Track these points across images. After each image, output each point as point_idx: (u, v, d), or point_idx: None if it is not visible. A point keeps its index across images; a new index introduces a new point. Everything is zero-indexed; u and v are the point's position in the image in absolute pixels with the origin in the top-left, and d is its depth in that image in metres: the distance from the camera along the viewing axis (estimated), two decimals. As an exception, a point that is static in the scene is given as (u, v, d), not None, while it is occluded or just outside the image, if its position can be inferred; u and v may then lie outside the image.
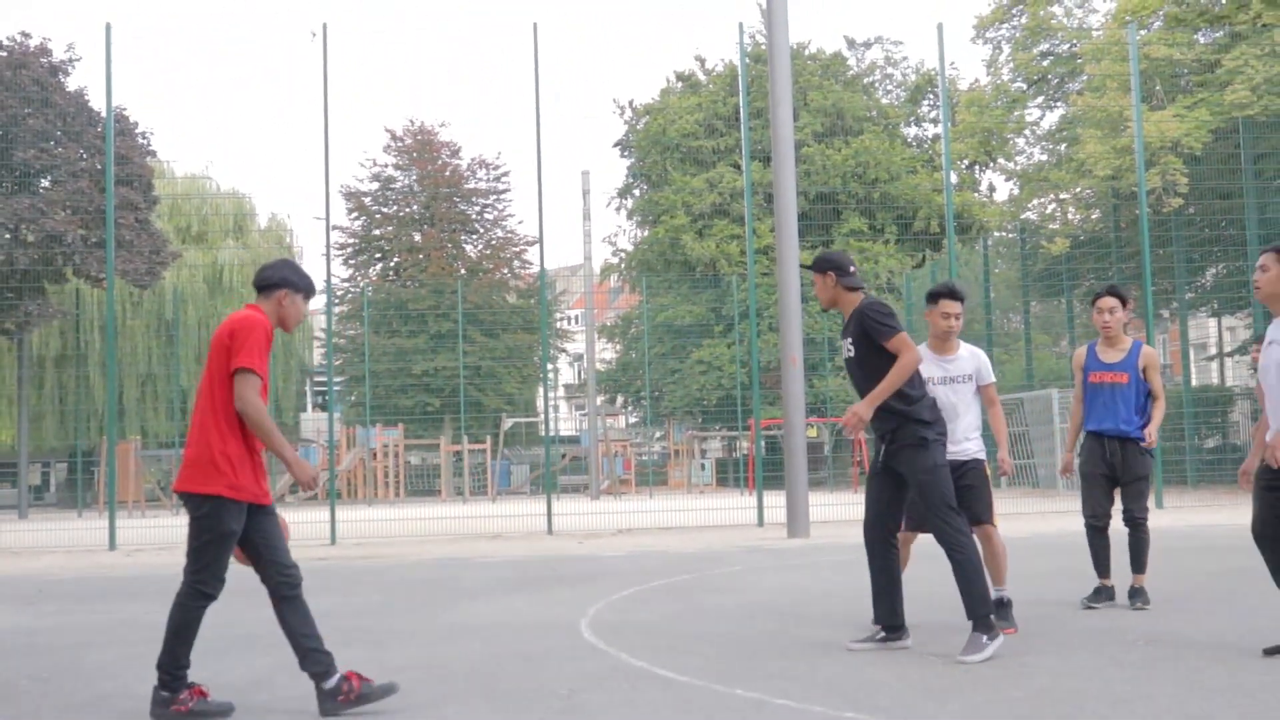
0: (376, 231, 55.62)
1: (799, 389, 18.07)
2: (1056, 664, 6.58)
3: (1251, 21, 28.57)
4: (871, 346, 7.21)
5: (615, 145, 56.23)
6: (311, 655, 5.83)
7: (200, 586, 5.80)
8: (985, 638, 6.80)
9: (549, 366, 40.99)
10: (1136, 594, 8.73)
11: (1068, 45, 34.14)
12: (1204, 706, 5.36)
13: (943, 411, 7.48)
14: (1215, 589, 9.81)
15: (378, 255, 56.04)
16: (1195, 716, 5.19)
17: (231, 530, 5.77)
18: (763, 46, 19.09)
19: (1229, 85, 27.64)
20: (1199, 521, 17.96)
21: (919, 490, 7.09)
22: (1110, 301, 9.02)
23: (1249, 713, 5.22)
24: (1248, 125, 27.95)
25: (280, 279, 6.06)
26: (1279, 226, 28.69)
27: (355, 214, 55.27)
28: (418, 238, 55.42)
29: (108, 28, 20.52)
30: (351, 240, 55.25)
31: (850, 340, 7.36)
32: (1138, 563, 8.79)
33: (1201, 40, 30.60)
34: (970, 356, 8.22)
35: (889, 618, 7.30)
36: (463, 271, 53.82)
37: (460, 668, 6.98)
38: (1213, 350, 41.04)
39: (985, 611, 6.91)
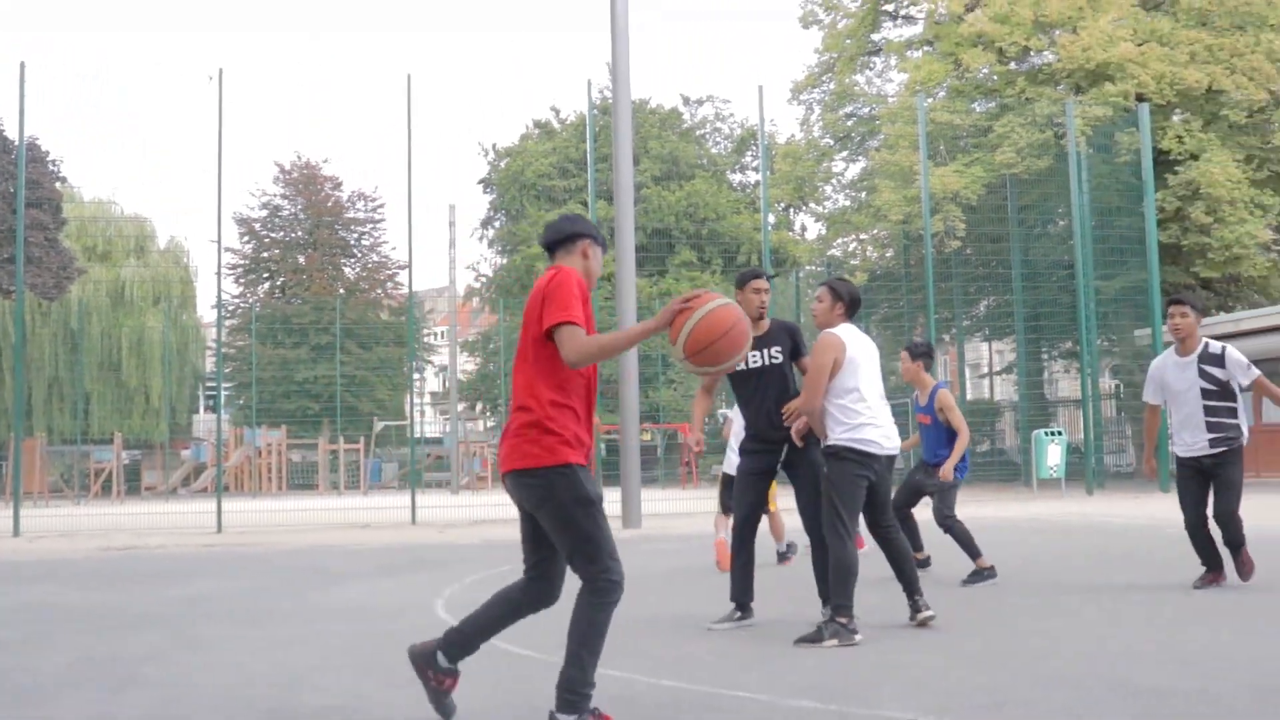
0: (265, 254, 55.08)
1: (634, 398, 18.38)
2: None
3: (1017, 95, 29.46)
4: (790, 358, 7.44)
5: (479, 182, 56.08)
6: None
7: (608, 576, 4.59)
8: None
9: (416, 376, 40.91)
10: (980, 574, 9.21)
11: (868, 108, 34.76)
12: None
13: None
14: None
15: (265, 275, 55.49)
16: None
17: (597, 494, 4.61)
18: (609, 100, 19.37)
19: (999, 148, 28.34)
20: (970, 514, 18.50)
21: (814, 485, 7.12)
22: (903, 355, 9.80)
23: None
24: (1014, 181, 28.81)
25: (580, 230, 5.00)
26: (1038, 266, 29.69)
27: (246, 238, 54.66)
28: (302, 260, 55.00)
29: (21, 66, 20.24)
30: (242, 261, 54.64)
31: (777, 348, 7.42)
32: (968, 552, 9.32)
33: (977, 109, 31.31)
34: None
35: (741, 595, 7.39)
36: (341, 291, 53.42)
37: (330, 642, 6.96)
38: (984, 370, 42.06)
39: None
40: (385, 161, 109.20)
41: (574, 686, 4.50)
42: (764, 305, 7.49)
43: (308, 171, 55.78)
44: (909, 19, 34.97)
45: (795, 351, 7.51)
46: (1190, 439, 8.43)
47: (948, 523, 9.33)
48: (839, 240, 37.73)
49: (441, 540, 15.90)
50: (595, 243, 4.98)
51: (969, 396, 38.98)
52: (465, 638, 4.90)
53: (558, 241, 4.98)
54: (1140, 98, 27.30)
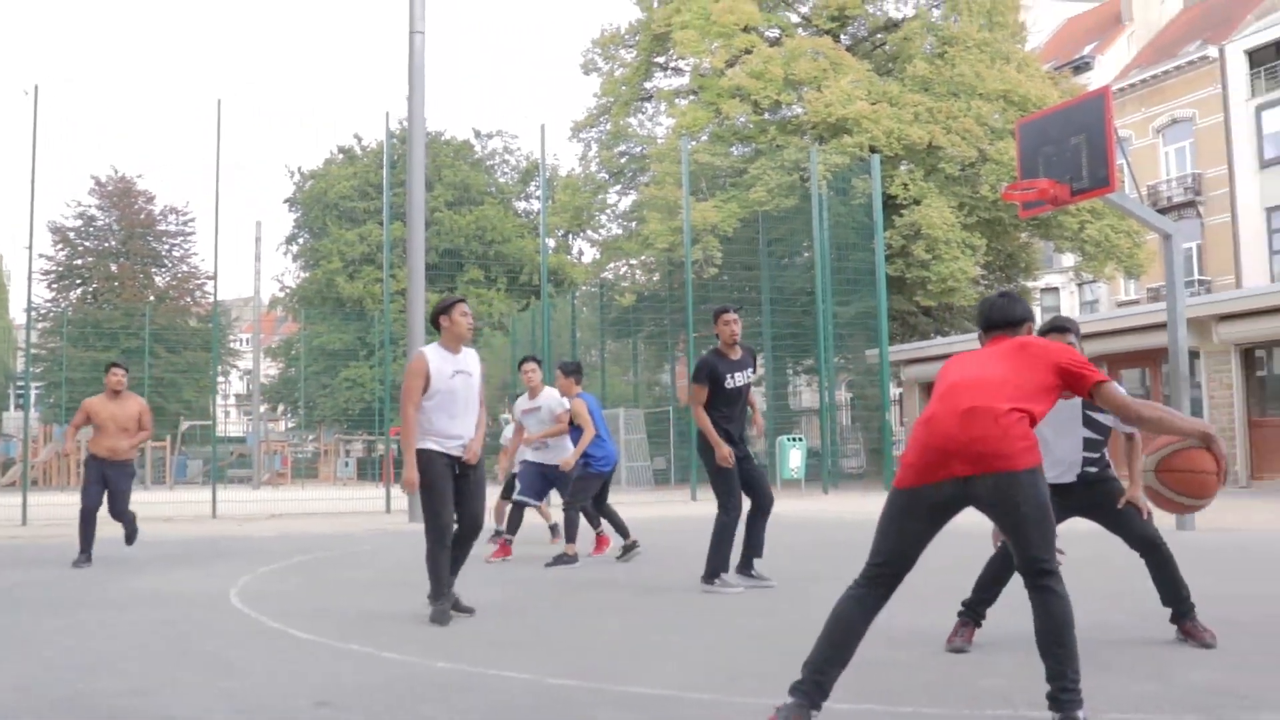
0: (78, 261, 52.82)
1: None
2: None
3: (769, 142, 30.23)
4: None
5: (285, 201, 54.97)
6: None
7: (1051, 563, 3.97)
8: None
9: (220, 379, 39.79)
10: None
11: (639, 148, 35.18)
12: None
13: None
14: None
15: (79, 281, 53.20)
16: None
17: None
18: (407, 130, 19.23)
19: (753, 187, 29.04)
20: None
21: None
22: (558, 373, 10.84)
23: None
24: (765, 217, 29.51)
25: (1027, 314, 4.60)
26: (785, 292, 30.42)
27: (60, 245, 52.42)
28: (114, 268, 52.91)
29: None
30: (56, 268, 52.32)
31: (750, 370, 8.11)
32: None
33: (735, 152, 32.03)
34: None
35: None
36: (151, 298, 51.56)
37: (130, 629, 6.69)
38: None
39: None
40: (197, 178, 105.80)
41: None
42: (735, 335, 8.02)
43: (122, 185, 53.75)
44: (678, 70, 35.56)
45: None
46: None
47: (570, 510, 10.33)
48: (611, 264, 38.06)
49: (240, 533, 15.47)
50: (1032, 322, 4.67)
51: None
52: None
53: (1013, 323, 4.55)
54: (873, 149, 28.25)
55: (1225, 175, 40.74)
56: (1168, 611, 5.69)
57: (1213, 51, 41.75)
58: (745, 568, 8.28)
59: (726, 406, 8.00)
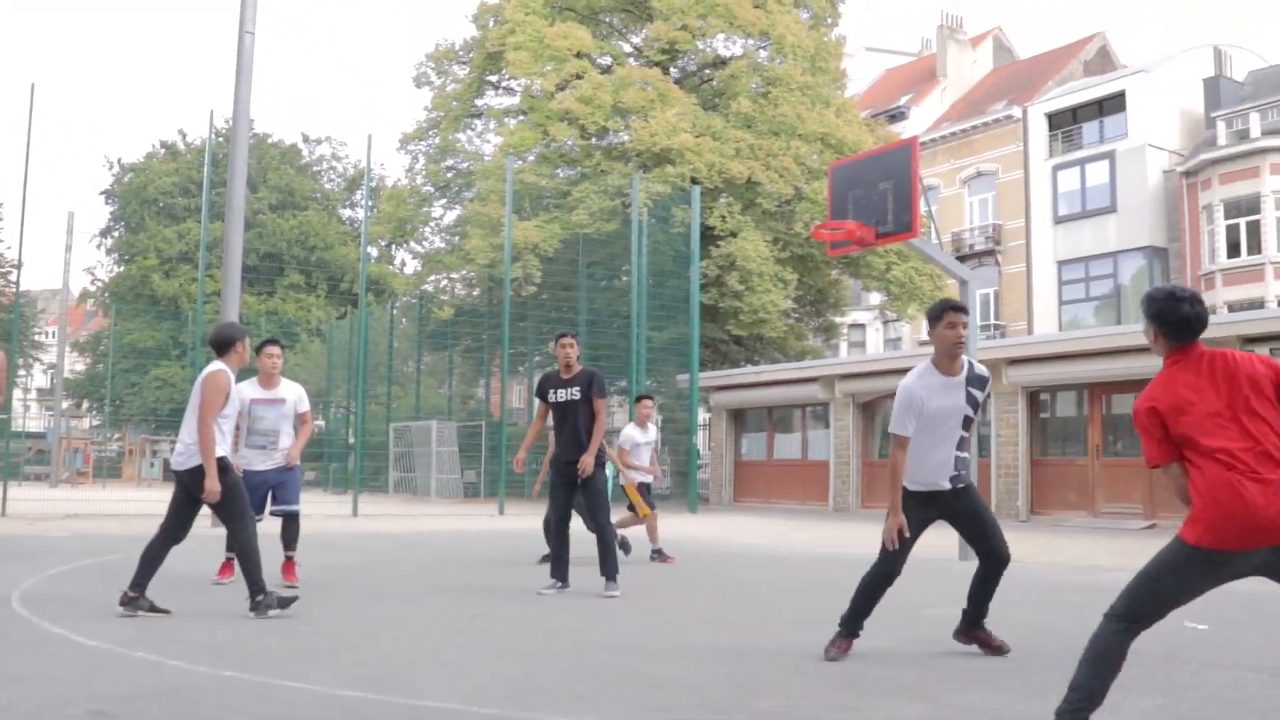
0: (-128, 244, 50.08)
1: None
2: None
3: (594, 167, 30.46)
4: (586, 399, 8.78)
5: (101, 193, 53.12)
6: None
7: None
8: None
9: (21, 372, 38.12)
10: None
11: (467, 164, 34.99)
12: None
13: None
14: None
15: None
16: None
17: None
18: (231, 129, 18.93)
19: (575, 210, 29.19)
20: (534, 525, 18.92)
21: (596, 494, 8.85)
22: None
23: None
24: (586, 240, 29.72)
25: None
26: (601, 314, 30.68)
27: None
28: (-87, 253, 50.22)
29: None
30: None
31: (576, 389, 8.80)
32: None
33: (560, 175, 32.16)
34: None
35: (562, 575, 8.88)
36: (-50, 286, 49.23)
37: None
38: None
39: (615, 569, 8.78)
40: (4, 164, 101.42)
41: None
42: (568, 357, 8.87)
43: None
44: (509, 90, 35.56)
45: (587, 393, 8.82)
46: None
47: None
48: (432, 277, 37.79)
49: (31, 532, 14.78)
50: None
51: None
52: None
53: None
54: (694, 180, 28.71)
55: (1023, 228, 42.62)
56: (938, 634, 5.96)
57: (1017, 112, 43.69)
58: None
59: (556, 419, 8.90)
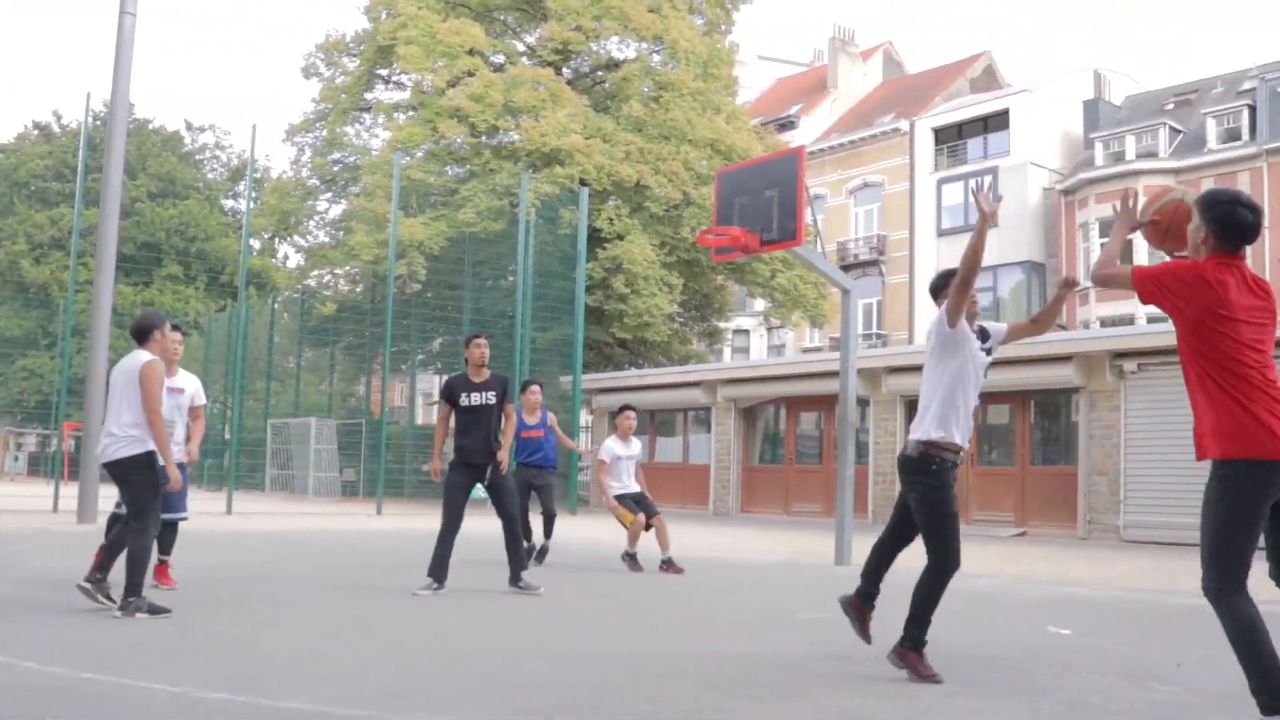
0: None
1: (100, 402, 17.39)
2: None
3: (483, 165, 30.25)
4: (501, 403, 8.94)
5: (-31, 174, 51.36)
6: None
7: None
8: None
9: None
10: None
11: (354, 158, 34.56)
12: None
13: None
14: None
15: None
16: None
17: None
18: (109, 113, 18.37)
19: (462, 208, 28.94)
20: (412, 525, 18.70)
21: (505, 491, 8.90)
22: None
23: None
24: (472, 239, 29.52)
25: None
26: (486, 314, 30.53)
27: None
28: None
29: None
30: None
31: (492, 393, 8.92)
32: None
33: (448, 172, 31.88)
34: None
35: (439, 576, 8.74)
36: None
37: None
38: (434, 397, 42.57)
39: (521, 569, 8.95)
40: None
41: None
42: (484, 358, 9.07)
43: None
44: (399, 85, 35.18)
45: (502, 397, 8.94)
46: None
47: None
48: (315, 272, 37.29)
49: None
50: None
51: (419, 421, 39.37)
52: None
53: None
54: (583, 182, 28.66)
55: (907, 239, 43.40)
56: (812, 638, 5.97)
57: (904, 125, 44.50)
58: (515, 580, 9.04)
59: (464, 423, 8.88)
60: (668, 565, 11.06)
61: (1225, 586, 4.16)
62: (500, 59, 33.03)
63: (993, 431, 22.02)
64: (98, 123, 46.64)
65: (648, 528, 11.31)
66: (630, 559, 11.30)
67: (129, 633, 6.41)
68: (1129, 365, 18.94)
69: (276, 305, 38.34)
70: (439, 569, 8.78)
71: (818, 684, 5.44)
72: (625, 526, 11.35)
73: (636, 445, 11.91)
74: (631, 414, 12.11)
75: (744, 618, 7.96)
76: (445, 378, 9.47)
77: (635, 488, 11.58)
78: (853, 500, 13.36)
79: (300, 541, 14.39)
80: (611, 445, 11.66)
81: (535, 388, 12.27)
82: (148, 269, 44.66)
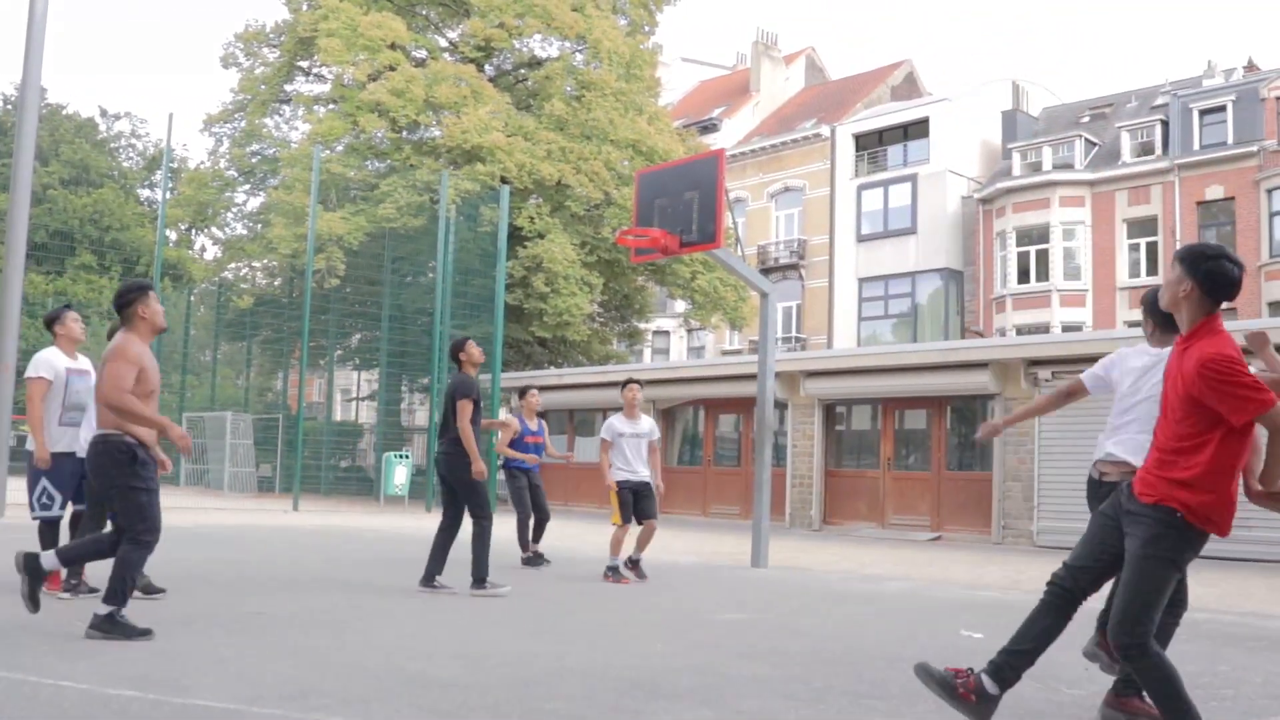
0: None
1: (9, 392, 17.05)
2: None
3: (404, 160, 30.07)
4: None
5: None
6: None
7: None
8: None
9: None
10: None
11: (273, 150, 34.15)
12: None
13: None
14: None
15: None
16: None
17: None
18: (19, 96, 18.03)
19: (382, 203, 28.75)
20: (329, 521, 18.55)
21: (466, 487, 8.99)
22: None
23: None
24: (392, 234, 29.29)
25: None
26: (406, 310, 30.31)
27: None
28: None
29: None
30: None
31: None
32: None
33: (369, 167, 31.67)
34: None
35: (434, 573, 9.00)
36: None
37: None
38: (353, 394, 42.22)
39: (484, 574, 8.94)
40: None
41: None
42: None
43: None
44: (320, 77, 34.84)
45: (451, 398, 8.94)
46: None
47: None
48: (233, 264, 36.79)
49: None
50: None
51: (337, 417, 39.00)
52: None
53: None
54: (504, 180, 28.58)
55: (827, 244, 43.77)
56: (728, 641, 6.01)
57: (825, 130, 44.88)
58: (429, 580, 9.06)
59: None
60: (634, 565, 10.61)
61: (1149, 640, 4.05)
62: (422, 54, 32.84)
63: (909, 436, 22.31)
64: (8, 106, 45.79)
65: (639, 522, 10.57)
66: (612, 572, 10.41)
67: (33, 630, 6.27)
68: (1043, 373, 19.29)
69: (193, 298, 37.75)
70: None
71: (732, 687, 5.47)
72: (612, 524, 10.60)
73: (645, 422, 10.77)
74: (535, 392, 12.39)
75: (662, 619, 8.01)
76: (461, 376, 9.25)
77: (643, 472, 10.57)
78: (770, 503, 13.50)
79: (214, 537, 14.19)
80: (614, 423, 10.69)
81: (535, 392, 12.42)
82: (60, 258, 43.79)
